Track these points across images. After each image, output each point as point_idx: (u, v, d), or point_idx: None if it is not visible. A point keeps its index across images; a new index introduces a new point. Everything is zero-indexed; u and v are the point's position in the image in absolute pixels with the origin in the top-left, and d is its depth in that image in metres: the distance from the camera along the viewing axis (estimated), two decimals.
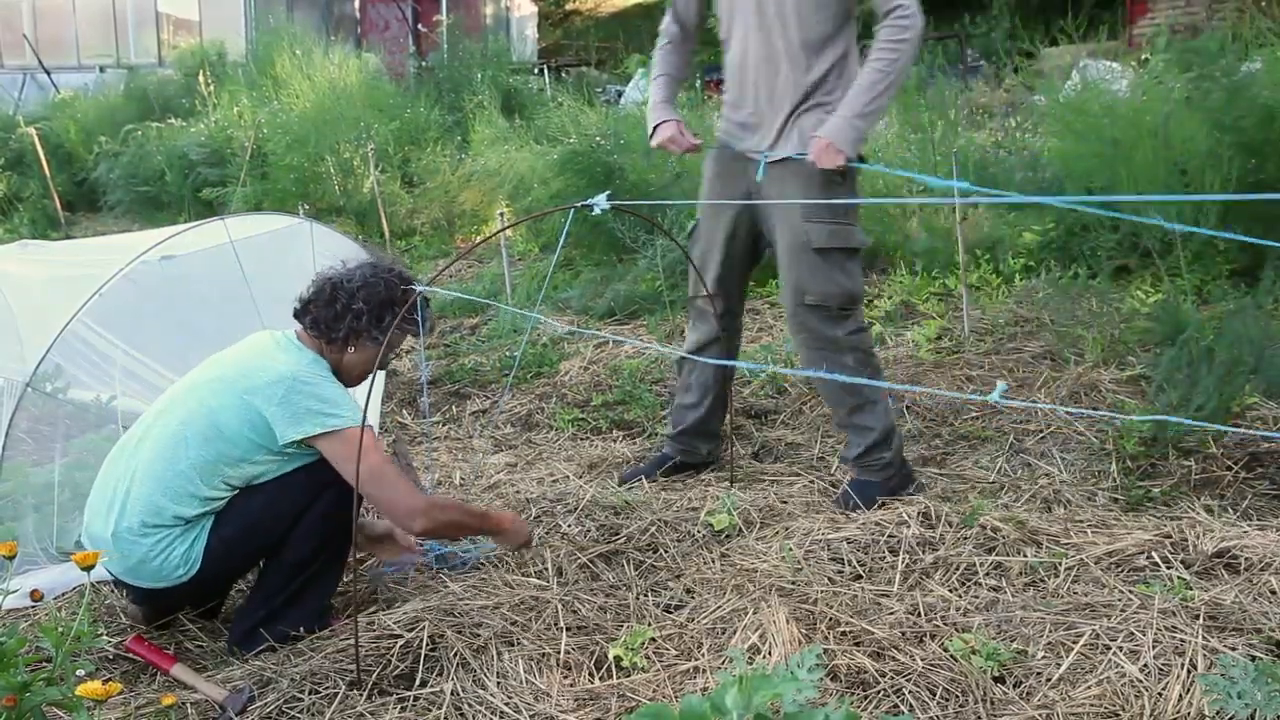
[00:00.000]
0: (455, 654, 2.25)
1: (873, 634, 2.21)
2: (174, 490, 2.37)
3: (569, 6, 27.84)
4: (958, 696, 2.00)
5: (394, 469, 2.53)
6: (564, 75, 14.28)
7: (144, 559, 2.37)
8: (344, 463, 2.38)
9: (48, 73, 15.64)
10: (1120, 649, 2.09)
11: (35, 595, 2.03)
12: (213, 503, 2.42)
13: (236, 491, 2.44)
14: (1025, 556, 2.51)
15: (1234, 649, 2.04)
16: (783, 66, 2.87)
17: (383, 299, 2.53)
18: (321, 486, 2.45)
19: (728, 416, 3.52)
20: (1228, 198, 3.97)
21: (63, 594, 2.82)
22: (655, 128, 3.02)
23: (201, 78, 10.92)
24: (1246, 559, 2.40)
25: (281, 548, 2.47)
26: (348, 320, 2.51)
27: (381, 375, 2.97)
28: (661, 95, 3.06)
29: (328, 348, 2.54)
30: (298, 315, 2.57)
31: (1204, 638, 2.08)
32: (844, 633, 2.23)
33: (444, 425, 4.11)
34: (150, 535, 2.36)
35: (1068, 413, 3.40)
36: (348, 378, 2.58)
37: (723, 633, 2.29)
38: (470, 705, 2.11)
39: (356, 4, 17.74)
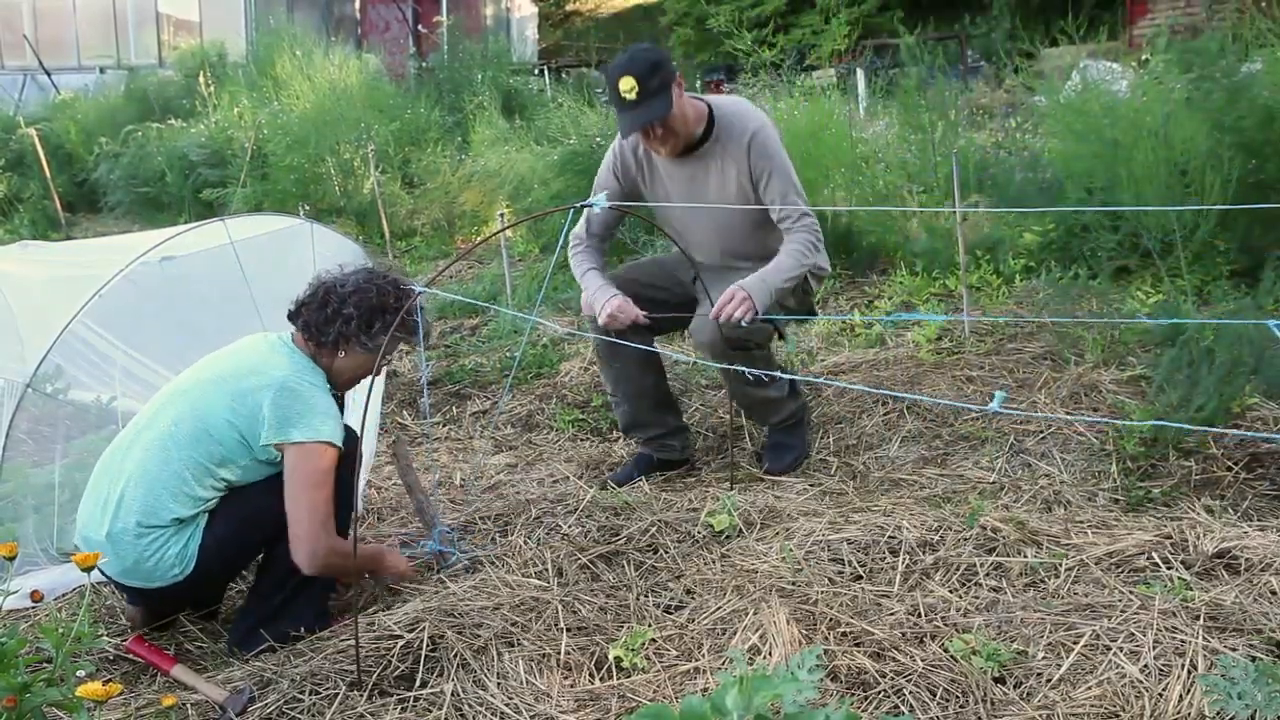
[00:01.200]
0: (455, 655, 2.25)
1: (873, 634, 2.21)
2: (169, 490, 2.37)
3: (569, 7, 27.85)
4: (958, 697, 2.00)
5: (326, 505, 2.43)
6: (564, 76, 14.30)
7: (139, 559, 2.37)
8: (292, 474, 2.39)
9: (48, 73, 15.66)
10: (1121, 649, 2.09)
11: (35, 596, 2.02)
12: (206, 502, 2.42)
13: (228, 491, 2.45)
14: (1025, 557, 2.51)
15: (1234, 649, 2.04)
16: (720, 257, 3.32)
17: (374, 305, 2.53)
18: None
19: (729, 416, 3.52)
20: (1222, 208, 3.97)
21: (63, 595, 2.82)
22: (604, 304, 3.15)
23: (202, 78, 10.93)
24: (1247, 559, 2.40)
25: (277, 546, 2.47)
26: (337, 325, 2.52)
27: (381, 376, 2.98)
28: (600, 281, 3.25)
29: (319, 351, 2.55)
30: (291, 317, 2.58)
31: (1204, 638, 2.08)
32: (844, 633, 2.23)
33: (444, 426, 4.11)
34: (145, 536, 2.37)
35: (1069, 414, 3.40)
36: (339, 382, 2.59)
37: (723, 633, 2.29)
38: (470, 706, 2.11)
39: (357, 5, 17.75)
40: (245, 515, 2.44)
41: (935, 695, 2.01)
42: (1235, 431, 2.94)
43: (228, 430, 2.40)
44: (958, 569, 2.49)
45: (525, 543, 2.83)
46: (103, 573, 2.44)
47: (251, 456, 2.43)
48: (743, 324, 2.98)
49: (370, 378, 2.48)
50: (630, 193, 3.31)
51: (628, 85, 2.99)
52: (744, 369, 2.75)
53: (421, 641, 2.29)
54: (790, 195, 3.14)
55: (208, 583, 2.54)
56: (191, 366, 2.60)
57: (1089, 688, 2.00)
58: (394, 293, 2.57)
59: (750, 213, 3.20)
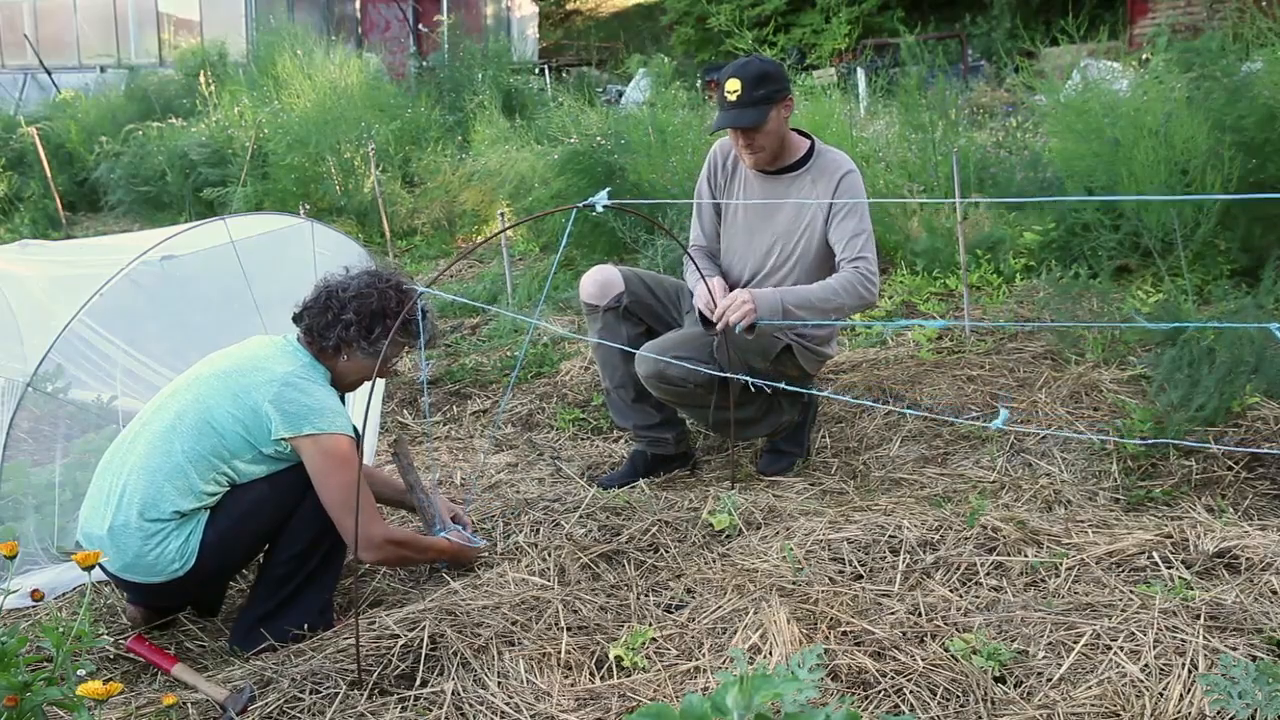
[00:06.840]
0: (456, 654, 2.25)
1: (873, 634, 2.21)
2: (170, 482, 2.38)
3: (570, 6, 27.86)
4: (958, 696, 2.00)
5: (364, 493, 2.43)
6: (565, 75, 14.30)
7: (140, 553, 2.38)
8: (317, 471, 2.41)
9: (49, 73, 15.67)
10: (1121, 649, 2.09)
11: (36, 595, 2.02)
12: (208, 497, 2.43)
13: (230, 487, 2.45)
14: (1026, 556, 2.51)
15: (1235, 649, 2.04)
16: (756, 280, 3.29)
17: (374, 310, 2.53)
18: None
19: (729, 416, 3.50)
20: (1223, 198, 3.97)
21: (63, 594, 2.82)
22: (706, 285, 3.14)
23: (202, 78, 10.93)
24: (1247, 559, 2.40)
25: (277, 543, 2.48)
26: (338, 330, 2.52)
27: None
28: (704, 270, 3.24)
29: (321, 354, 2.56)
30: (295, 320, 2.59)
31: (1205, 638, 2.08)
32: (845, 633, 2.23)
33: (445, 425, 4.11)
34: (146, 529, 2.37)
35: (1069, 413, 3.40)
36: (342, 384, 2.59)
37: (723, 633, 2.29)
38: (471, 705, 2.11)
39: (357, 4, 17.75)
40: (246, 512, 2.45)
41: (936, 695, 2.01)
42: (1210, 446, 2.94)
43: (231, 423, 2.41)
44: (958, 568, 2.49)
45: (527, 542, 2.83)
46: (104, 569, 2.44)
47: (256, 450, 2.43)
48: (738, 329, 2.95)
49: (371, 380, 2.49)
50: (718, 196, 3.33)
51: (733, 86, 3.04)
52: (748, 379, 2.74)
53: (422, 641, 2.29)
54: (859, 240, 3.11)
55: (208, 579, 2.54)
56: (192, 365, 2.60)
57: (1089, 687, 2.00)
58: (396, 297, 2.57)
59: (808, 244, 3.19)
